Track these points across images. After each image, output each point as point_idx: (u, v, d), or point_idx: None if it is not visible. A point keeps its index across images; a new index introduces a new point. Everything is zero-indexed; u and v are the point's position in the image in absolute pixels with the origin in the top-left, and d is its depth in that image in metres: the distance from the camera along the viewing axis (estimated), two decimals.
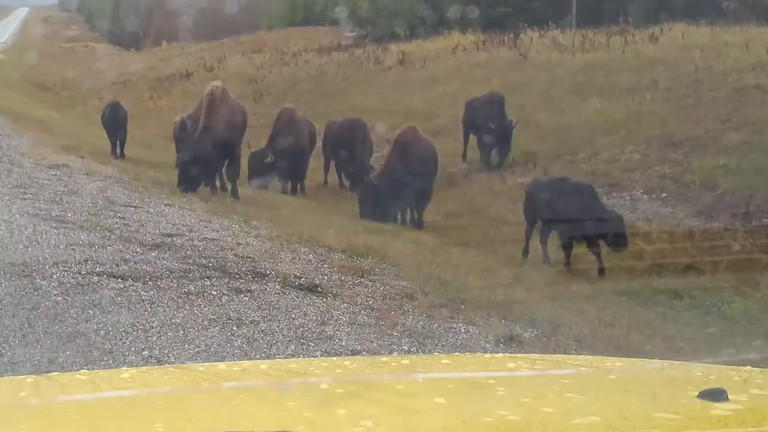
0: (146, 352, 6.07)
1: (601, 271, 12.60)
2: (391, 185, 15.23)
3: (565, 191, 13.78)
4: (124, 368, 3.55)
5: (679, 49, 28.06)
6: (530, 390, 1.96)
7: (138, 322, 6.52)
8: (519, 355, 4.39)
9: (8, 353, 5.80)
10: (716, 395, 1.65)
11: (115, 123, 20.06)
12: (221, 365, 2.99)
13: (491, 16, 53.78)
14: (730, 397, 1.64)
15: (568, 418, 1.58)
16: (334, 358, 4.62)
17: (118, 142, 19.80)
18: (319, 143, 21.38)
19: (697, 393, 1.68)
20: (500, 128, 20.26)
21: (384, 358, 3.21)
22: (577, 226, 12.77)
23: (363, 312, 7.55)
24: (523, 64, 32.31)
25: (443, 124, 26.31)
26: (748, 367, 2.23)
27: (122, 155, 19.44)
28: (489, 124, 20.25)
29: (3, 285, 6.93)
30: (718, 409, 1.60)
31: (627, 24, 39.85)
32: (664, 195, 16.53)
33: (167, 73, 49.97)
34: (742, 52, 24.79)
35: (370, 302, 7.94)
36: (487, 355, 4.18)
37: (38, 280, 7.15)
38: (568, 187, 14.03)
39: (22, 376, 2.48)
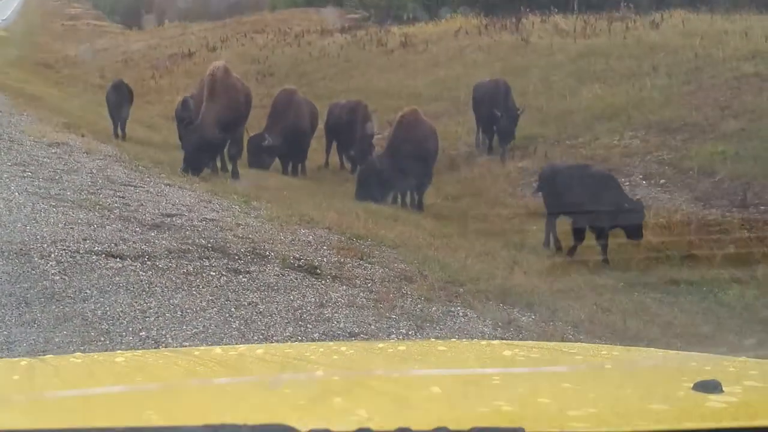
0: (143, 333, 6.08)
1: (606, 262, 12.40)
2: (392, 167, 15.19)
3: (585, 178, 13.48)
4: (119, 351, 3.56)
5: (679, 36, 28.06)
6: (526, 381, 1.97)
7: (136, 303, 6.53)
8: (516, 342, 4.38)
9: (4, 332, 5.80)
10: (711, 387, 1.65)
11: (118, 102, 19.81)
12: (217, 349, 2.99)
13: (494, 0, 53.70)
14: (724, 389, 1.65)
15: (564, 410, 1.59)
16: (331, 343, 4.62)
17: (119, 122, 19.51)
18: (321, 125, 21.39)
19: (692, 385, 1.68)
20: (506, 115, 20.04)
21: (380, 344, 3.21)
22: (596, 215, 12.48)
23: (362, 294, 7.57)
24: (524, 49, 32.28)
25: (445, 107, 26.31)
26: (743, 358, 2.24)
27: (123, 136, 19.14)
28: (495, 111, 20.00)
29: (0, 263, 6.93)
30: (713, 401, 1.60)
31: (628, 10, 39.84)
32: (662, 181, 16.54)
33: (169, 52, 49.86)
34: (742, 40, 24.79)
35: (369, 285, 7.95)
36: (484, 342, 4.18)
37: (36, 259, 7.15)
38: (588, 174, 13.75)
39: (15, 359, 2.48)
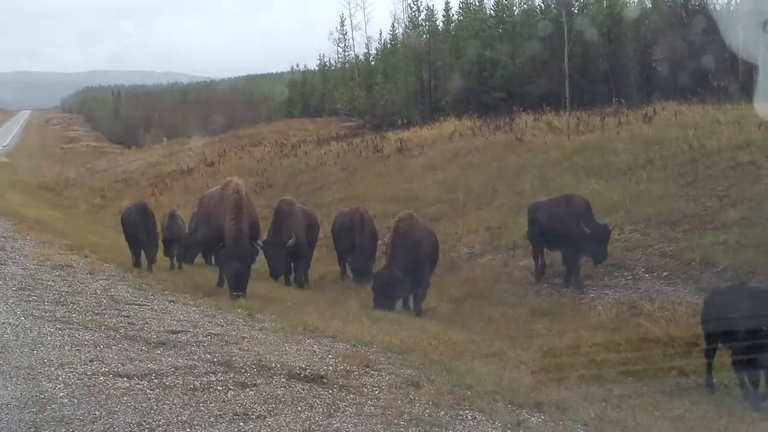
0: None
1: None
2: (402, 273, 15.22)
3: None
4: None
5: (672, 128, 28.44)
6: None
7: (144, 421, 6.51)
8: None
9: None
10: None
11: (143, 227, 17.28)
12: None
13: (486, 101, 54.63)
14: None
15: None
16: None
17: (148, 251, 17.09)
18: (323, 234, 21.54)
19: None
20: (596, 232, 17.47)
21: None
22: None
23: (369, 402, 7.53)
24: (519, 148, 32.71)
25: (443, 210, 26.53)
26: None
27: (150, 267, 16.87)
28: (584, 227, 17.26)
29: (9, 389, 6.93)
30: None
31: (620, 105, 40.48)
32: (665, 273, 16.58)
33: (168, 169, 50.51)
34: (735, 129, 25.11)
35: (376, 392, 7.92)
36: None
37: (44, 383, 7.15)
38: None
39: None
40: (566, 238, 17.58)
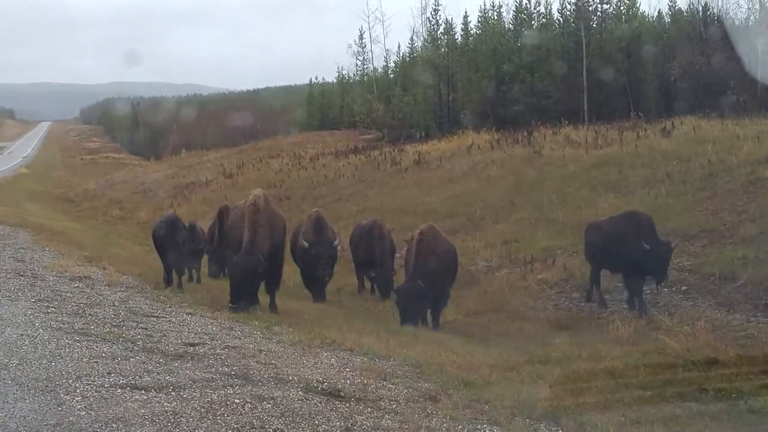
0: None
1: None
2: (426, 287, 15.11)
3: None
4: None
5: (691, 143, 28.37)
6: None
7: None
8: None
9: None
10: None
11: (176, 242, 16.11)
12: None
13: (504, 115, 54.64)
14: None
15: None
16: None
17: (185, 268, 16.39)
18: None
19: None
20: (657, 249, 16.11)
21: None
22: None
23: (387, 416, 7.50)
24: (537, 161, 32.66)
25: (461, 223, 26.49)
26: None
27: (180, 284, 16.09)
28: (644, 243, 15.92)
29: (27, 401, 6.95)
30: None
31: (638, 119, 40.38)
32: (684, 288, 16.50)
33: (187, 181, 50.68)
34: (755, 144, 25.02)
35: (394, 406, 7.89)
36: None
37: (62, 395, 7.16)
38: None
39: None
40: (630, 258, 16.27)
